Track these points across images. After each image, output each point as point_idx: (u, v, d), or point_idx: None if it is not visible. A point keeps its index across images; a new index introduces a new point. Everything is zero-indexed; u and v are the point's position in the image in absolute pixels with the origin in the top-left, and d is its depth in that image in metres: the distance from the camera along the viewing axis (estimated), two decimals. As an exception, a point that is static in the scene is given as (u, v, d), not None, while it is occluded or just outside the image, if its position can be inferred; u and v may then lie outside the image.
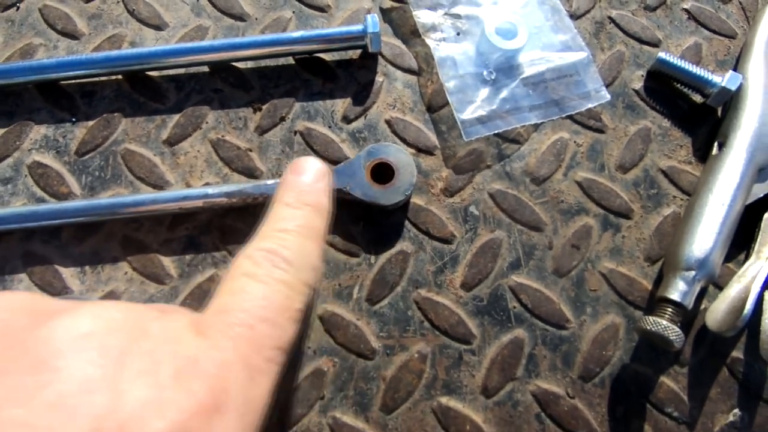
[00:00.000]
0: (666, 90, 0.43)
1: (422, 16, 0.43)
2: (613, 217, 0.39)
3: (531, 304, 0.36)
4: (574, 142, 0.41)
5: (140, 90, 0.41)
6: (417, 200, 0.39)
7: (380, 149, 0.37)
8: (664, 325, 0.32)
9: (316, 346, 0.35)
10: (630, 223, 0.39)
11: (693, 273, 0.33)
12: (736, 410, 0.35)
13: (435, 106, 0.41)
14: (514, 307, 0.36)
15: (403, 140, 0.41)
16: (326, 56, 0.43)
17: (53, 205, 0.37)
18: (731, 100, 0.40)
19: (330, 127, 0.41)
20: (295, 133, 0.41)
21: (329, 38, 0.41)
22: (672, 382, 0.35)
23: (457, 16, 0.43)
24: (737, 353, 0.36)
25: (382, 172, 0.37)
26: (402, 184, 0.36)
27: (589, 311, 0.37)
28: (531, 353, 0.35)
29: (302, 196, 0.28)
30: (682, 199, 0.39)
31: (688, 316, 0.35)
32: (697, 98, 0.42)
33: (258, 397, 0.21)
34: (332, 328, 0.36)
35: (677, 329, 0.32)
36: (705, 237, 0.34)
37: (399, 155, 0.37)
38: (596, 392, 0.35)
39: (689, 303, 0.33)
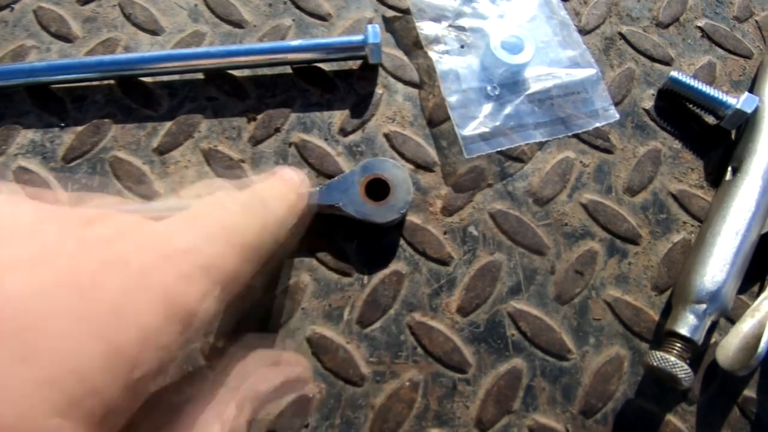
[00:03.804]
0: (677, 110, 0.41)
1: (425, 28, 0.42)
2: (619, 242, 0.37)
3: (531, 332, 0.35)
4: (581, 162, 0.39)
5: (132, 96, 0.40)
6: (414, 218, 0.37)
7: (375, 164, 0.35)
8: (672, 362, 0.30)
9: (303, 370, 0.33)
10: (637, 249, 0.37)
11: (704, 306, 0.31)
12: (748, 454, 0.32)
13: (436, 120, 0.40)
14: (513, 335, 0.35)
15: (402, 155, 0.39)
16: (325, 66, 0.41)
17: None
18: (746, 123, 0.38)
19: (326, 139, 0.39)
20: (290, 144, 0.39)
21: (328, 47, 0.39)
22: (679, 421, 0.33)
23: (462, 29, 0.42)
24: (749, 392, 0.34)
25: (377, 189, 0.35)
26: (397, 201, 0.35)
27: (592, 342, 0.35)
28: (529, 385, 0.34)
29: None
30: (692, 225, 0.38)
31: (697, 351, 0.33)
32: (710, 119, 0.40)
33: (140, 307, 0.16)
34: (320, 351, 0.34)
35: (686, 367, 0.30)
36: (717, 268, 0.32)
37: (395, 171, 0.35)
38: (598, 429, 0.33)
39: (699, 338, 0.31)
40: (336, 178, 0.36)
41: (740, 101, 0.38)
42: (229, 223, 0.21)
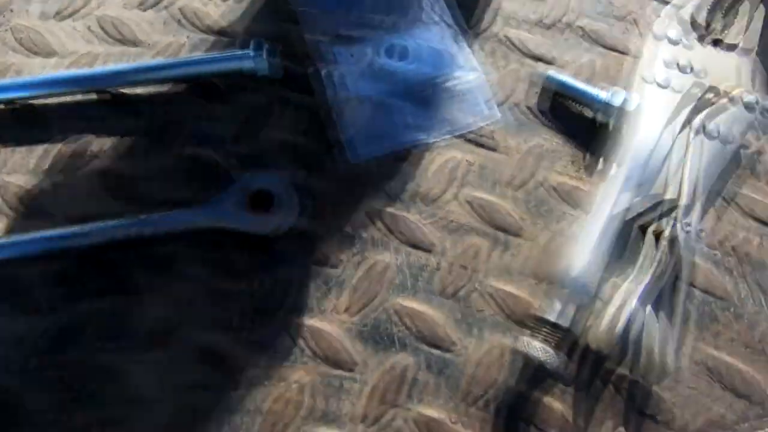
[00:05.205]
0: (558, 107, 0.43)
1: (314, 40, 0.43)
2: (503, 235, 0.39)
3: (416, 327, 0.36)
4: (467, 161, 0.41)
5: (23, 119, 0.40)
6: (305, 224, 0.38)
7: (259, 177, 0.37)
8: (536, 346, 0.31)
9: (191, 379, 0.34)
10: (520, 241, 0.39)
11: (568, 292, 0.33)
12: (621, 428, 0.34)
13: (328, 127, 0.41)
14: (400, 331, 0.36)
15: (295, 163, 0.40)
16: (218, 81, 0.42)
17: None
18: (618, 116, 0.40)
19: (219, 152, 0.40)
20: (185, 158, 0.40)
21: (217, 61, 0.40)
22: (557, 403, 0.34)
23: (351, 38, 0.43)
24: (623, 370, 0.35)
25: (262, 201, 0.36)
26: (282, 211, 0.36)
27: (476, 332, 0.36)
28: (415, 378, 0.35)
29: None
30: (571, 215, 0.39)
31: (569, 335, 0.34)
32: (589, 114, 0.42)
33: None
34: (211, 360, 0.34)
35: (549, 350, 0.31)
36: (579, 255, 0.34)
37: (278, 182, 0.36)
38: (480, 416, 0.34)
39: (566, 322, 0.33)
40: (220, 194, 0.37)
41: (609, 95, 0.40)
42: None
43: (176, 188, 0.39)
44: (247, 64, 0.40)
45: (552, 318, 0.32)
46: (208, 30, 0.44)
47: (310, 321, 0.36)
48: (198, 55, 0.41)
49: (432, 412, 0.34)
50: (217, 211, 0.35)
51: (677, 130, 0.38)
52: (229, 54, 0.40)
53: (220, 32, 0.44)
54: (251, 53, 0.39)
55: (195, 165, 0.40)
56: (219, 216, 0.35)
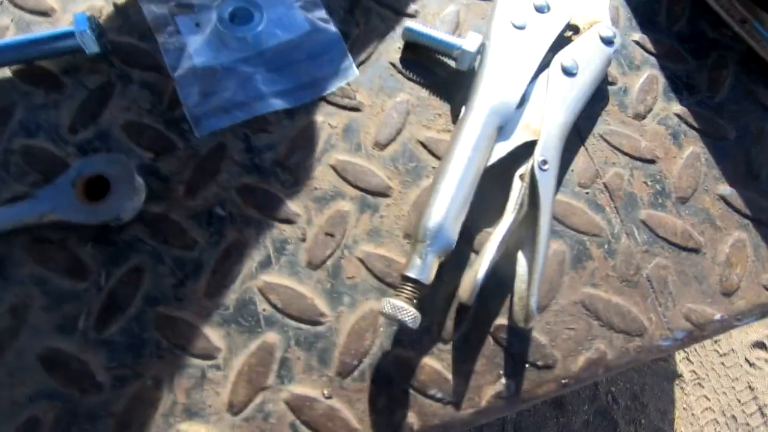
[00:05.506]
0: (423, 60, 0.41)
1: (153, 11, 0.39)
2: (370, 197, 0.37)
3: (282, 303, 0.34)
4: (329, 124, 0.39)
5: None
6: (155, 208, 0.35)
7: (92, 162, 0.33)
8: (397, 306, 0.30)
9: (32, 391, 0.31)
10: (389, 201, 0.37)
11: (426, 245, 0.31)
12: (502, 379, 0.33)
13: (174, 104, 0.38)
14: (264, 310, 0.33)
15: (140, 145, 0.37)
16: (49, 64, 0.38)
17: None
18: (477, 62, 0.39)
19: (54, 141, 0.36)
20: (15, 152, 0.36)
21: (38, 42, 0.36)
22: (435, 362, 0.33)
23: (190, 6, 0.40)
24: (501, 320, 0.35)
25: (99, 187, 0.33)
26: (121, 197, 0.33)
27: (347, 301, 0.34)
28: (283, 357, 0.33)
29: None
30: (441, 169, 0.38)
31: (440, 291, 0.33)
32: (452, 63, 0.41)
33: None
34: (53, 367, 0.31)
35: (409, 308, 0.30)
36: (437, 206, 0.32)
37: (114, 166, 0.33)
38: (356, 387, 0.32)
39: (427, 278, 0.31)
40: (47, 185, 0.33)
41: (466, 42, 0.38)
42: None
43: (6, 186, 0.35)
44: (72, 42, 0.36)
45: (411, 274, 0.31)
46: (34, 10, 0.40)
47: (166, 310, 0.33)
48: (13, 37, 0.36)
49: (304, 390, 0.32)
50: (45, 204, 0.32)
51: (535, 70, 0.37)
52: (51, 33, 0.36)
53: (49, 11, 0.40)
54: (74, 29, 0.35)
55: (28, 159, 0.36)
56: (47, 209, 0.32)
